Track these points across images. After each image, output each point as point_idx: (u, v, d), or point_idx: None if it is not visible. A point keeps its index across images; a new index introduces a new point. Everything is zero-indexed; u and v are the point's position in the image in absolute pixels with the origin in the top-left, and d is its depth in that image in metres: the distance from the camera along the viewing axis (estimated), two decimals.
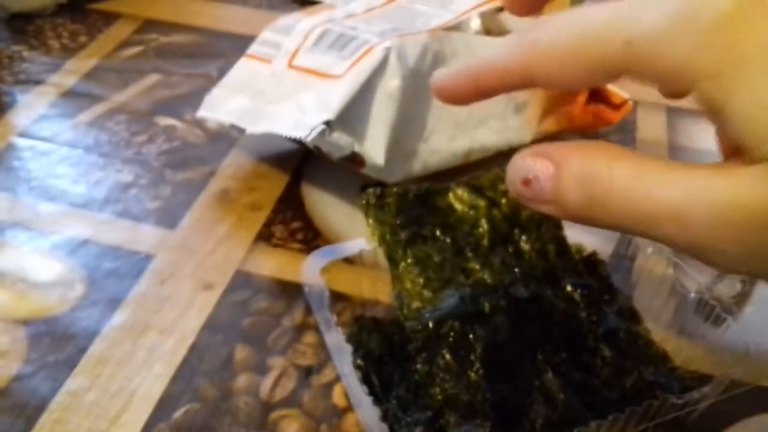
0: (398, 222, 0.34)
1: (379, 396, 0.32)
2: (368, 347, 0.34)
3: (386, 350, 0.34)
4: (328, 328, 0.33)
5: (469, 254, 0.34)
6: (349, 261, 0.36)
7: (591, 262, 0.36)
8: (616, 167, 0.22)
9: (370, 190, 0.34)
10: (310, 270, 0.35)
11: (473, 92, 0.26)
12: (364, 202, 0.34)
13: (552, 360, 0.32)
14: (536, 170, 0.24)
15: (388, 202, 0.34)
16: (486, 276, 0.34)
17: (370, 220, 0.34)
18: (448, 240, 0.34)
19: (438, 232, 0.34)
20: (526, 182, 0.24)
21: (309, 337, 0.38)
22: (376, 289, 0.38)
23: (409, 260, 0.33)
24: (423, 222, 0.34)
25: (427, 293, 0.33)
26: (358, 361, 0.33)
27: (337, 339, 0.33)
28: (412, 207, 0.34)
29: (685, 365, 0.29)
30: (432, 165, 0.44)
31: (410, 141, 0.44)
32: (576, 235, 0.36)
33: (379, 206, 0.34)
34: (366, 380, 0.32)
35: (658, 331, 0.34)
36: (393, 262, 0.33)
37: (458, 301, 0.33)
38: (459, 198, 0.35)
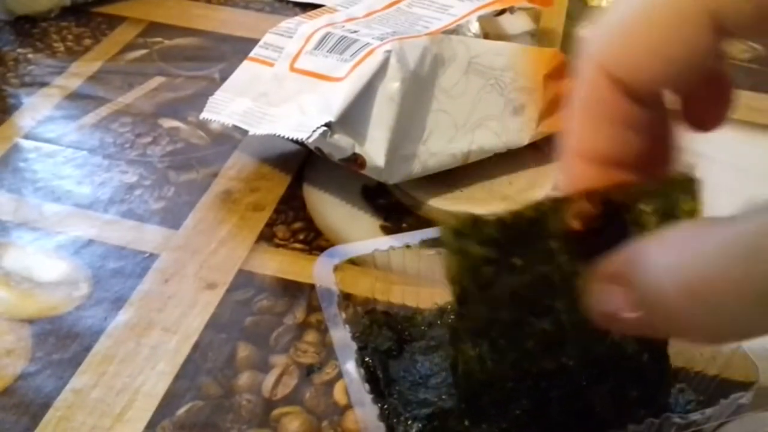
0: (487, 254, 0.25)
1: (382, 393, 0.32)
2: (377, 341, 0.34)
3: (395, 345, 0.35)
4: (335, 325, 0.33)
5: (557, 285, 0.26)
6: (360, 262, 0.36)
7: None
8: (699, 238, 0.18)
9: (463, 217, 0.24)
10: (322, 267, 0.35)
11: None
12: (450, 235, 0.24)
13: (590, 393, 0.29)
14: (611, 303, 0.20)
15: (485, 232, 0.25)
16: (566, 320, 0.26)
17: (451, 258, 0.25)
18: (542, 269, 0.25)
19: (533, 261, 0.25)
20: (611, 318, 0.20)
21: (310, 336, 0.39)
22: (387, 290, 0.38)
23: (480, 301, 0.26)
24: (520, 251, 0.25)
25: (484, 340, 0.26)
26: (366, 358, 0.33)
27: (343, 336, 0.33)
28: (518, 234, 0.25)
29: (672, 360, 0.29)
30: (431, 166, 0.45)
31: (410, 143, 0.44)
32: None
33: (470, 236, 0.25)
34: (371, 377, 0.32)
35: None
36: (460, 302, 0.26)
37: (517, 357, 0.27)
38: (582, 213, 0.24)
